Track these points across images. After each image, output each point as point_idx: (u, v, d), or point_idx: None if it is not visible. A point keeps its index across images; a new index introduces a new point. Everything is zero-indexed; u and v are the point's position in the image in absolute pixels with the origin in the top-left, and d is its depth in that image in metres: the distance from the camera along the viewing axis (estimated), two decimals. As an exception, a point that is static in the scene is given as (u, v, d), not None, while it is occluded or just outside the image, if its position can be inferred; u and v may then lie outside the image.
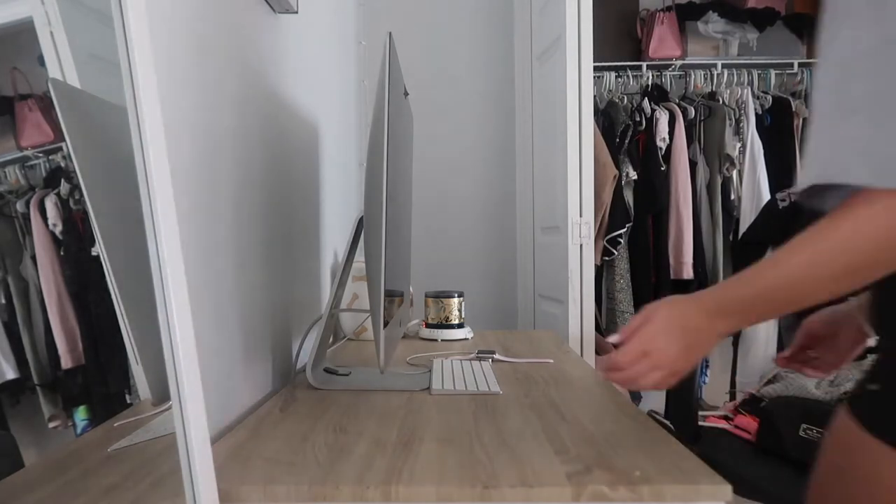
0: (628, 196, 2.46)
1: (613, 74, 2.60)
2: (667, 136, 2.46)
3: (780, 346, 2.48)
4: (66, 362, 0.46)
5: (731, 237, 2.56)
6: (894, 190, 0.55)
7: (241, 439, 0.85)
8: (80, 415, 0.48)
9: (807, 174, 0.61)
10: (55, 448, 0.45)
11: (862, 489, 0.66)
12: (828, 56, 0.61)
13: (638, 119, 2.48)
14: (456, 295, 1.72)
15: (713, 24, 2.68)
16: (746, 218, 2.49)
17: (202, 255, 0.88)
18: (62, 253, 0.46)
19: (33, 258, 0.44)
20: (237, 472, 0.72)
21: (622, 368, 0.74)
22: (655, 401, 2.72)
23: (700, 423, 1.70)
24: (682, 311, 0.72)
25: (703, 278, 2.49)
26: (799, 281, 0.63)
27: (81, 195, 0.48)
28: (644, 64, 2.65)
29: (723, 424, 1.70)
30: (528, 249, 2.52)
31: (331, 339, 1.45)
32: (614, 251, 2.42)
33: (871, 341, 0.74)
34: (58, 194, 0.46)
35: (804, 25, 2.72)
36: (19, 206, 0.43)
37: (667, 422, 1.71)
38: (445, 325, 1.72)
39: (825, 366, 0.90)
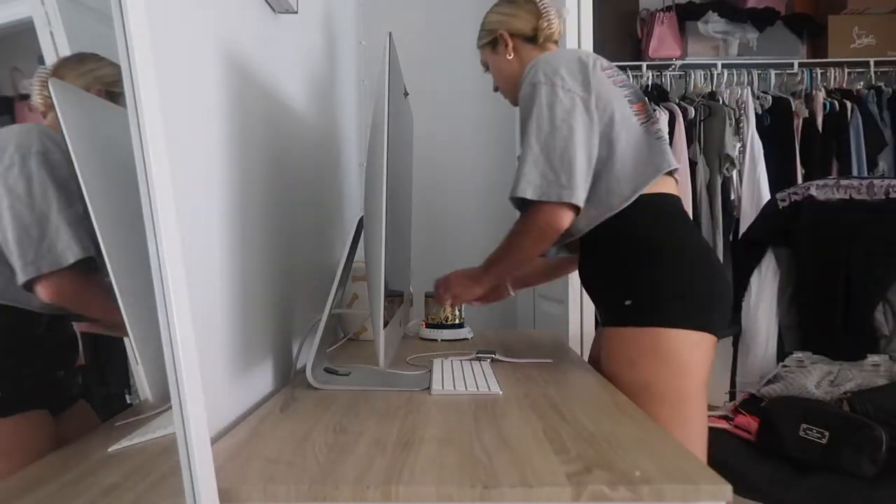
0: (628, 196, 2.45)
1: (613, 74, 2.59)
2: (667, 136, 2.46)
3: (781, 347, 2.47)
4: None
5: (731, 237, 2.55)
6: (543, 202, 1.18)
7: (241, 439, 0.85)
8: (80, 415, 0.48)
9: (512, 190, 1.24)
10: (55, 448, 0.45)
11: (647, 358, 1.19)
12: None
13: (638, 119, 2.48)
14: (456, 295, 1.72)
15: (713, 24, 2.68)
16: (746, 218, 2.49)
17: (202, 255, 0.88)
18: (62, 253, 0.46)
19: (33, 258, 0.44)
20: (237, 472, 0.72)
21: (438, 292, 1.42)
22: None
23: (700, 423, 1.70)
24: (462, 274, 1.39)
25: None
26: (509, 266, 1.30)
27: (82, 195, 0.48)
28: (644, 64, 2.65)
29: (723, 424, 1.70)
30: (528, 249, 2.51)
31: (330, 339, 1.44)
32: (614, 251, 2.41)
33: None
34: (58, 194, 0.46)
35: (804, 25, 2.73)
36: (19, 206, 0.43)
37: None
38: (445, 325, 1.72)
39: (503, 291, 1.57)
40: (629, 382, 1.16)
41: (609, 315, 1.28)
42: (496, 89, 1.49)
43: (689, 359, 1.16)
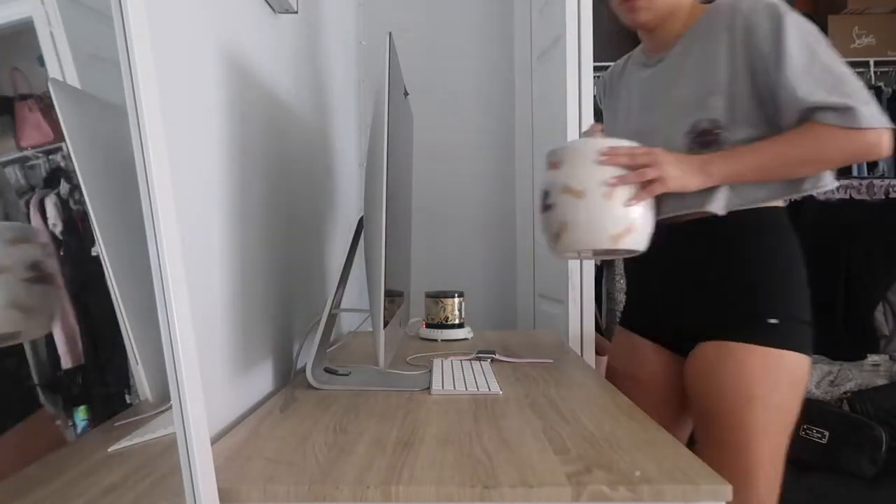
0: (628, 196, 2.45)
1: (613, 74, 2.59)
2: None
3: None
4: (66, 362, 0.46)
5: (731, 237, 2.55)
6: (849, 128, 0.95)
7: (241, 439, 0.85)
8: (80, 415, 0.48)
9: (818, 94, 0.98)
10: (55, 448, 0.45)
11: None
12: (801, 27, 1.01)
13: (638, 119, 2.48)
14: (456, 295, 1.72)
15: (713, 24, 2.67)
16: (746, 218, 2.48)
17: (202, 255, 0.88)
18: (62, 253, 0.46)
19: (33, 258, 0.44)
20: (237, 472, 0.72)
21: (633, 154, 1.01)
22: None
23: (700, 423, 1.70)
24: (682, 155, 1.05)
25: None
26: (768, 166, 1.02)
27: (81, 195, 0.48)
28: (644, 64, 2.64)
29: (723, 424, 1.70)
30: (528, 249, 2.52)
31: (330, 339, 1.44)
32: (614, 251, 2.41)
33: None
34: (58, 194, 0.46)
35: (804, 25, 2.72)
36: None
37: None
38: (445, 325, 1.72)
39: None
40: (765, 408, 1.02)
41: (733, 330, 1.06)
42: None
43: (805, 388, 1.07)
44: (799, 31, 0.99)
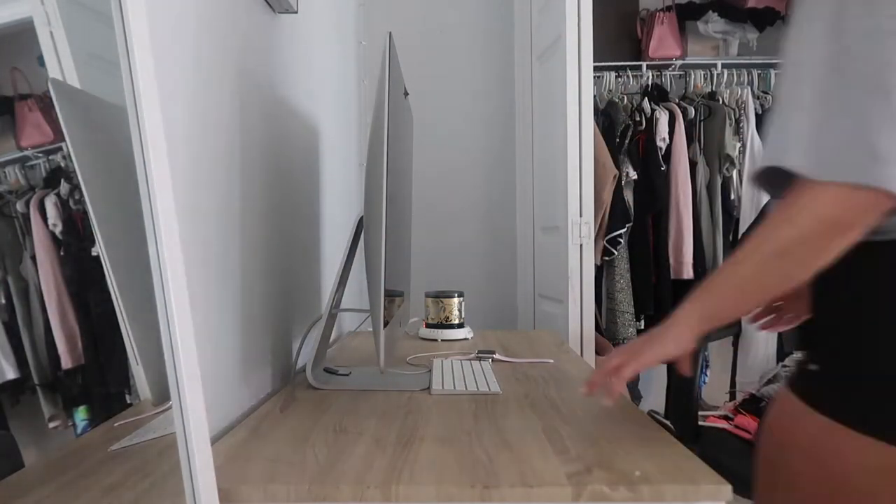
0: (628, 196, 2.46)
1: (613, 74, 2.60)
2: (667, 136, 2.46)
3: (780, 346, 2.48)
4: (66, 362, 0.46)
5: (731, 237, 2.55)
6: (838, 182, 0.62)
7: (241, 439, 0.85)
8: (80, 415, 0.48)
9: (762, 158, 0.69)
10: (55, 448, 0.45)
11: (802, 460, 0.71)
12: (789, 54, 0.68)
13: (638, 119, 2.48)
14: (456, 295, 1.72)
15: (713, 24, 2.68)
16: (746, 218, 2.49)
17: (202, 255, 0.88)
18: (62, 253, 0.46)
19: (33, 258, 0.44)
20: (237, 472, 0.72)
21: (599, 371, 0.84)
22: (655, 401, 2.72)
23: (700, 423, 1.70)
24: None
25: (703, 278, 2.48)
26: (748, 280, 0.71)
27: (81, 195, 0.48)
28: (644, 64, 2.64)
29: (723, 424, 1.70)
30: (528, 249, 2.52)
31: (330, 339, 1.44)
32: (614, 251, 2.41)
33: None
34: (58, 194, 0.46)
35: (804, 25, 2.72)
36: (19, 206, 0.43)
37: (667, 422, 1.71)
38: (445, 325, 1.72)
39: (793, 316, 0.93)
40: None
41: (821, 397, 0.71)
42: None
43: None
44: None
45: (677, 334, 0.78)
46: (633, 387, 2.63)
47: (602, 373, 0.83)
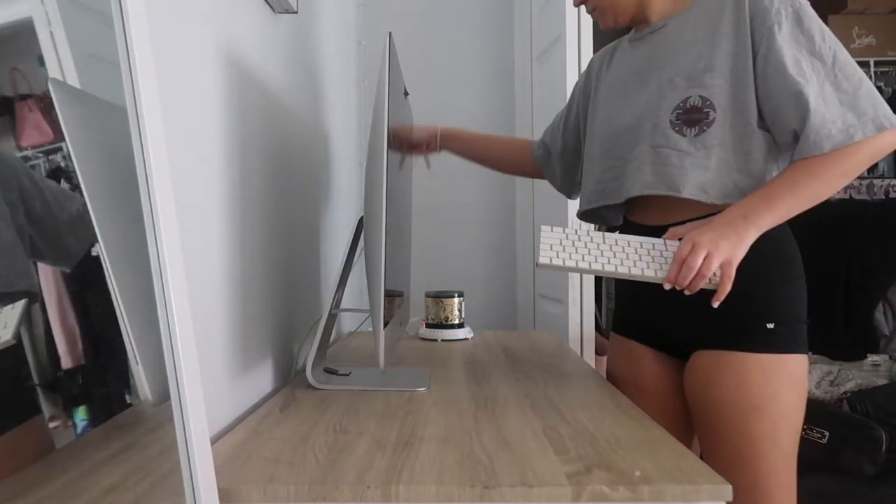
0: (628, 196, 2.45)
1: (613, 74, 2.59)
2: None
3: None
4: (66, 362, 0.46)
5: (731, 237, 2.55)
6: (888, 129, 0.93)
7: (241, 439, 0.85)
8: (80, 415, 0.48)
9: (825, 141, 0.94)
10: (55, 448, 0.45)
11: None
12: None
13: (638, 119, 2.48)
14: (456, 295, 1.72)
15: (713, 24, 2.67)
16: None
17: (202, 255, 0.88)
18: (62, 253, 0.46)
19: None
20: (237, 472, 0.72)
21: (679, 262, 0.93)
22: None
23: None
24: (714, 218, 0.98)
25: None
26: (797, 207, 0.96)
27: (81, 195, 0.48)
28: (644, 64, 2.64)
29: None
30: (528, 249, 2.52)
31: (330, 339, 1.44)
32: (614, 251, 2.41)
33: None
34: (58, 194, 0.46)
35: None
36: (19, 206, 0.43)
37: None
38: (445, 325, 1.72)
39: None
40: (770, 415, 1.00)
41: (730, 339, 1.04)
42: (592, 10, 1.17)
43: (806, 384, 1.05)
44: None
45: (751, 241, 0.94)
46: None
47: (707, 266, 0.92)
